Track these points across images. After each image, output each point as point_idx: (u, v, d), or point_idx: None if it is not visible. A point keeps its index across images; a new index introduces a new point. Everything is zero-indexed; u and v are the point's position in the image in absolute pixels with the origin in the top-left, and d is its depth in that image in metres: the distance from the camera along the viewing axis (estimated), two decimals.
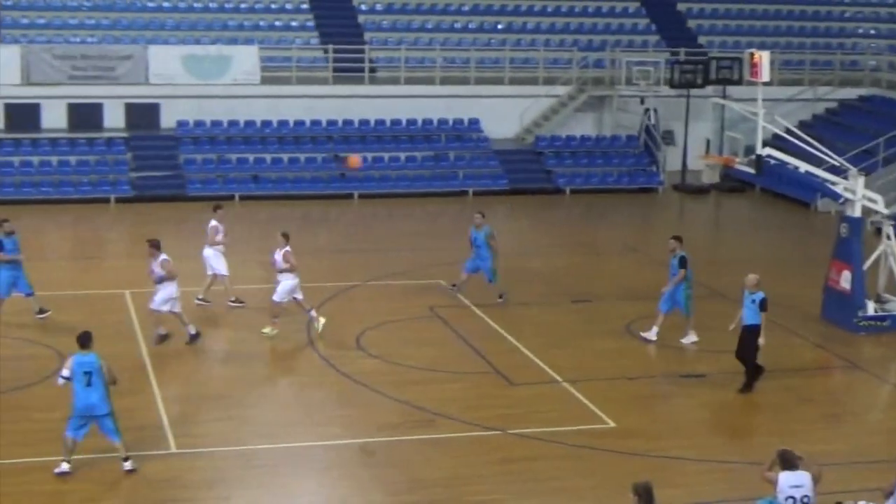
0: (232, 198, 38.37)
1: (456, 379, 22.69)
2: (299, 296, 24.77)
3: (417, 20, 47.31)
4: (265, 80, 42.08)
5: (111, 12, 44.38)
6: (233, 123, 41.31)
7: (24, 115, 40.10)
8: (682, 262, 24.42)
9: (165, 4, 45.17)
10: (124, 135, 40.51)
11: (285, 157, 40.84)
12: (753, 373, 22.20)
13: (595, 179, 42.22)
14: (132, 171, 39.34)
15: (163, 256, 23.54)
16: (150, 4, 45.04)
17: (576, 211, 39.93)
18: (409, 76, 43.64)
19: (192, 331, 24.08)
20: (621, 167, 43.02)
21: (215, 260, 26.72)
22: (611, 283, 29.82)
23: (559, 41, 47.15)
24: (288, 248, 24.51)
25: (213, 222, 26.93)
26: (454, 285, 27.86)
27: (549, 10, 48.74)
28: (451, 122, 42.84)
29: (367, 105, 42.39)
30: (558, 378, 22.68)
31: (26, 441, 19.19)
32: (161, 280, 23.43)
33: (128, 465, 18.23)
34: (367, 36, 45.69)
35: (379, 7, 47.48)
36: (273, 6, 46.23)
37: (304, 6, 46.50)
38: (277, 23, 45.73)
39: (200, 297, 26.57)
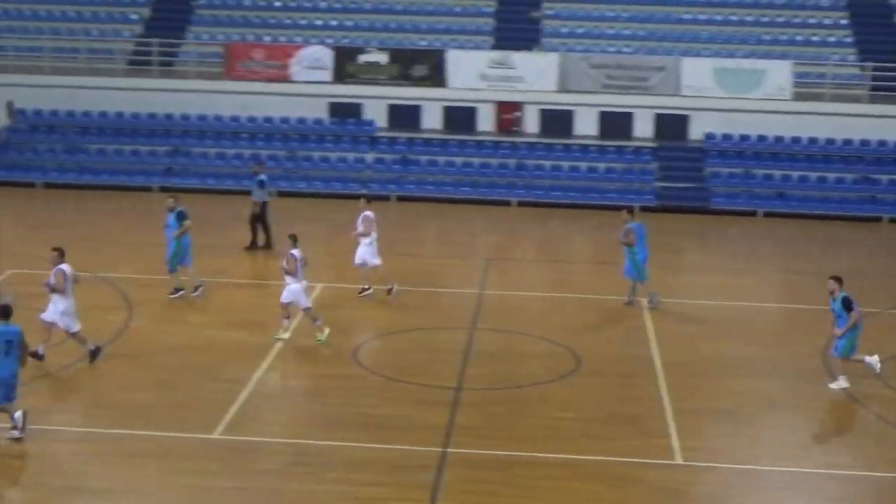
0: (754, 213, 37.85)
1: None
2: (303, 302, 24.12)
3: None
4: (797, 96, 41.12)
5: (648, 24, 44.97)
6: (761, 138, 40.71)
7: (559, 122, 41.44)
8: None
9: (701, 17, 45.20)
10: (652, 145, 40.93)
11: (813, 175, 39.77)
12: None
13: None
14: (657, 181, 39.69)
15: (61, 267, 22.01)
16: (686, 17, 45.22)
17: None
18: None
19: (91, 347, 22.68)
20: None
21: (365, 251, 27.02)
22: None
23: None
24: (294, 251, 23.96)
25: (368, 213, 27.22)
26: None
27: None
28: None
29: None
30: None
31: (535, 436, 19.74)
32: (52, 290, 22.17)
33: (15, 433, 18.71)
34: None
35: None
36: (811, 20, 45.11)
37: (844, 21, 45.03)
38: (814, 38, 44.54)
39: None
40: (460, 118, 41.70)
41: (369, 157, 40.63)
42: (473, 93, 41.35)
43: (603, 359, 23.64)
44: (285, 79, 41.72)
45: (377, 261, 27.31)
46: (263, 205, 31.84)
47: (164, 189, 38.68)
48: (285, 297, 24.11)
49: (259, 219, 31.86)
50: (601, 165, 40.11)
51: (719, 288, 29.45)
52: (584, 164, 40.15)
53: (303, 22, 45.16)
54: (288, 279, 24.01)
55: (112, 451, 18.82)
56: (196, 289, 27.20)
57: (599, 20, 45.27)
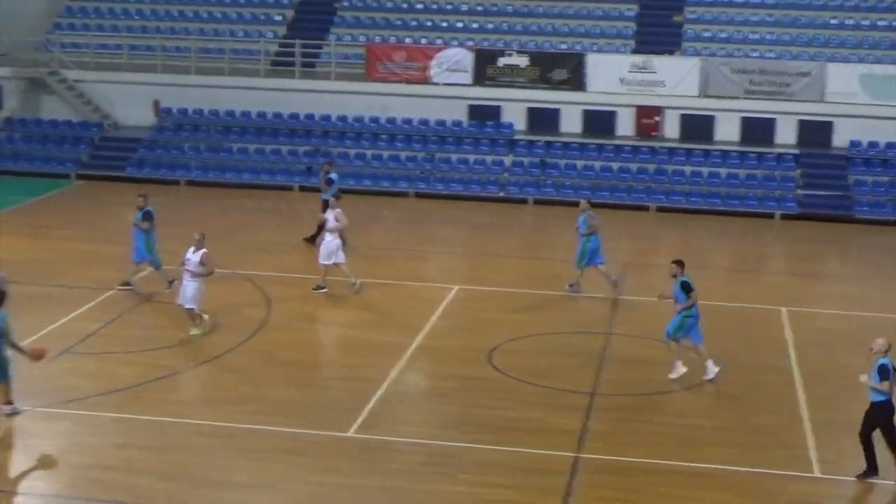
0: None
1: None
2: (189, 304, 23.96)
3: None
4: None
5: (792, 28, 44.21)
6: None
7: (699, 127, 41.00)
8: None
9: (847, 22, 44.28)
10: (795, 152, 40.21)
11: None
12: None
13: None
14: (800, 188, 38.99)
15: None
16: (832, 22, 44.35)
17: None
18: None
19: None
20: None
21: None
22: None
23: None
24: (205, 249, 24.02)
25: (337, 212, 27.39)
26: None
27: None
28: None
29: None
30: None
31: (669, 444, 19.56)
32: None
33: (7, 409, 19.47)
34: None
35: None
36: None
37: None
38: None
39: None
40: (599, 122, 41.50)
41: (507, 159, 40.65)
42: (613, 97, 41.13)
43: (738, 367, 23.29)
44: (425, 81, 41.97)
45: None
46: (325, 202, 32.25)
47: (303, 189, 39.21)
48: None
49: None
50: (742, 172, 39.55)
51: (860, 298, 28.82)
52: (724, 171, 39.63)
53: (443, 24, 45.41)
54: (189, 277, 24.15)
55: (248, 446, 19.13)
56: (320, 288, 27.48)
57: (742, 24, 44.66)
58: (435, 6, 46.19)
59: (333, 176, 32.30)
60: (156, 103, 42.71)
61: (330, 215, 27.66)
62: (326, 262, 27.31)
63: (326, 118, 42.20)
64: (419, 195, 39.04)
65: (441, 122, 41.79)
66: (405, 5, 46.36)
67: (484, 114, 41.89)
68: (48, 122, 43.12)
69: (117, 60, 44.03)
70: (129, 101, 43.24)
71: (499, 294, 28.06)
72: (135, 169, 40.68)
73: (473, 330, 25.33)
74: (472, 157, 40.68)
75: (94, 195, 37.92)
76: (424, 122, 41.84)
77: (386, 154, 40.88)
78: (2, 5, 46.90)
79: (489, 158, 40.67)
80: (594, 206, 28.65)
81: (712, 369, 22.52)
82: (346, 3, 46.63)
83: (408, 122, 41.89)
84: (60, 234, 32.92)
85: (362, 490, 17.71)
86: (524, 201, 38.54)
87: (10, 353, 19.64)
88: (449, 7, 46.09)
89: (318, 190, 33.16)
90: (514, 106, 41.65)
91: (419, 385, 22.70)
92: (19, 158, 41.45)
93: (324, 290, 27.38)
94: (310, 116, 42.26)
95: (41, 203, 37.05)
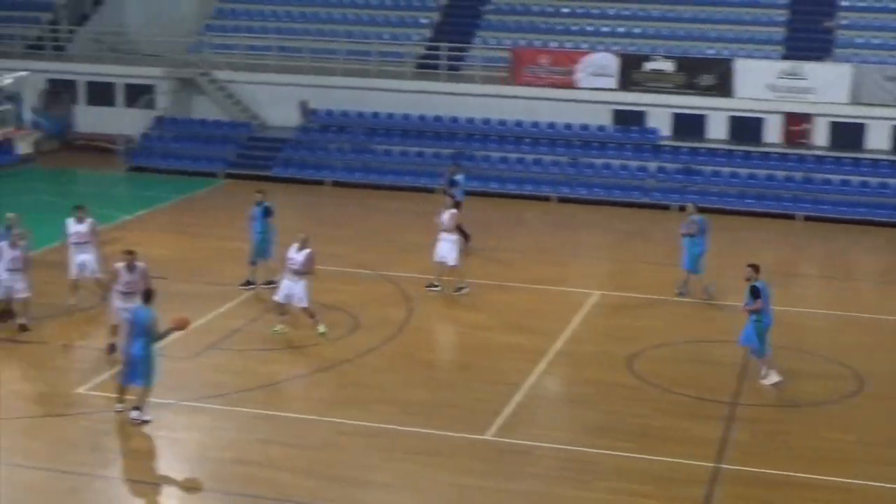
0: None
1: None
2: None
3: None
4: None
5: None
6: None
7: (849, 135, 40.13)
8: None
9: None
10: None
11: None
12: None
13: None
14: None
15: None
16: None
17: None
18: None
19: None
20: None
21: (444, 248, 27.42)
22: None
23: None
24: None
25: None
26: None
27: None
28: None
29: None
30: None
31: (813, 457, 19.17)
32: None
33: (135, 414, 19.52)
34: None
35: None
36: None
37: None
38: None
39: None
40: (746, 129, 40.89)
41: (652, 165, 40.29)
42: (761, 103, 40.48)
43: (890, 381, 22.74)
44: (570, 85, 41.82)
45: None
46: (457, 205, 32.22)
47: (445, 192, 39.32)
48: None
49: None
50: (893, 181, 38.59)
51: None
52: (874, 180, 38.73)
53: (589, 28, 45.18)
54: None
55: (388, 445, 19.25)
56: (460, 289, 27.62)
57: None
58: (581, 10, 45.98)
59: (459, 178, 32.54)
60: (303, 104, 43.27)
61: (445, 215, 27.91)
62: (452, 263, 27.69)
63: (471, 121, 42.32)
64: (562, 199, 38.92)
65: (585, 127, 41.59)
66: (551, 9, 46.24)
67: (629, 119, 41.60)
68: (198, 121, 44.03)
69: (266, 62, 44.75)
70: (277, 102, 43.93)
71: (640, 301, 27.82)
72: (281, 169, 41.28)
73: (613, 336, 25.16)
74: (615, 163, 40.41)
75: (241, 194, 38.39)
76: (569, 127, 41.68)
77: (529, 158, 40.83)
78: (155, 8, 48.08)
79: (633, 164, 40.36)
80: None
81: (773, 377, 22.25)
82: (492, 7, 46.71)
83: (552, 126, 41.78)
84: (207, 232, 33.54)
85: (500, 493, 17.69)
86: (667, 207, 38.15)
87: (157, 355, 19.99)
88: (596, 11, 45.83)
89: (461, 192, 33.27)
90: (660, 111, 41.28)
91: (558, 390, 22.61)
92: (169, 157, 42.37)
93: (465, 290, 27.57)
94: (454, 119, 42.43)
95: (189, 201, 37.84)
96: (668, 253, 31.53)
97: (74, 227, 25.20)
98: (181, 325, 20.25)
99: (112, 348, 22.32)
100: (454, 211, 28.12)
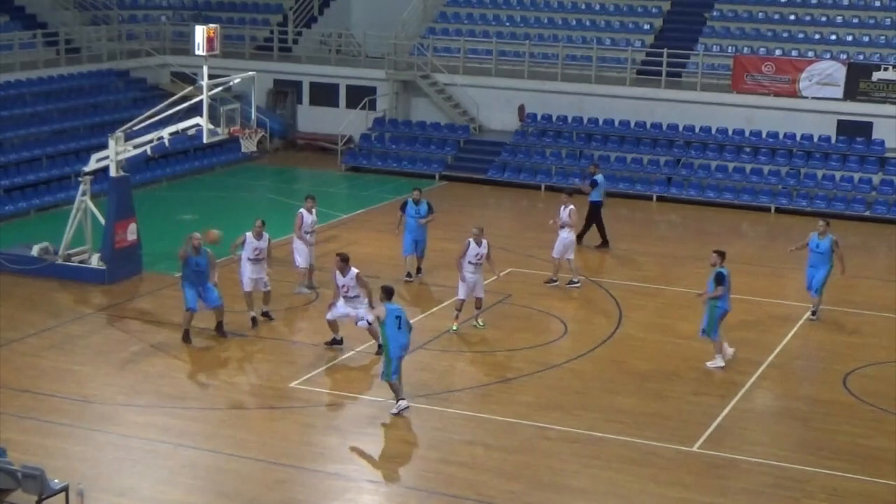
0: None
1: None
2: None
3: None
4: None
5: None
6: None
7: None
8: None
9: None
10: None
11: None
12: None
13: None
14: None
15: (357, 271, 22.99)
16: None
17: None
18: None
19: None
20: None
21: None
22: None
23: None
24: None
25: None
26: None
27: None
28: None
29: None
30: None
31: None
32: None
33: (394, 409, 20.18)
34: None
35: None
36: None
37: None
38: None
39: None
40: None
41: (876, 178, 38.96)
42: None
43: None
44: (793, 94, 40.80)
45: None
46: (598, 205, 32.31)
47: (661, 199, 38.91)
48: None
49: (593, 219, 32.43)
50: None
51: None
52: None
53: (816, 36, 43.99)
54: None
55: (592, 452, 19.11)
56: (551, 281, 28.31)
57: None
58: (808, 18, 44.81)
59: (599, 178, 32.72)
60: (521, 108, 43.35)
61: (564, 211, 28.16)
62: (558, 257, 28.27)
63: (690, 129, 41.68)
64: (779, 210, 37.98)
65: (808, 137, 40.50)
66: (777, 16, 45.21)
67: (854, 129, 40.32)
68: (417, 123, 44.54)
69: (485, 66, 45.00)
70: (495, 105, 44.12)
71: (861, 317, 26.94)
72: (496, 172, 41.43)
73: (830, 351, 24.44)
74: (838, 174, 39.23)
75: (457, 196, 38.82)
76: (790, 136, 40.65)
77: (748, 167, 39.98)
78: (380, 12, 48.90)
79: (857, 176, 39.09)
80: None
81: (718, 362, 23.10)
82: (716, 14, 45.93)
83: (773, 135, 40.81)
84: None
85: None
86: (892, 222, 36.84)
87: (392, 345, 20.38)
88: (823, 19, 44.61)
89: (678, 199, 32.95)
90: (888, 122, 39.87)
91: (769, 404, 22.06)
92: (388, 158, 42.99)
93: (555, 283, 28.33)
94: (673, 126, 41.86)
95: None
96: (890, 268, 30.55)
97: (254, 242, 25.29)
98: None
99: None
100: (572, 207, 28.36)
